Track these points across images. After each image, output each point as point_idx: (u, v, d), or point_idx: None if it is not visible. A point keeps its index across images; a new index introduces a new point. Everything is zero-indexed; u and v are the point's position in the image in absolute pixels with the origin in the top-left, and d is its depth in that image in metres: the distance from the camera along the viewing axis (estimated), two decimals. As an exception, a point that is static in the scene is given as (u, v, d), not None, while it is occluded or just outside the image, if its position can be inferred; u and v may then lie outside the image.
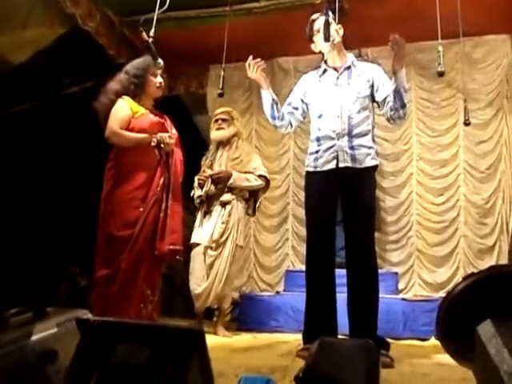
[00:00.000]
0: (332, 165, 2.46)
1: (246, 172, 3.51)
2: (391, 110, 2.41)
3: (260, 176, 3.56)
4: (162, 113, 2.74)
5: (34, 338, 1.07)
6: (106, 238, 2.42)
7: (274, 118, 2.63)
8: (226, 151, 3.57)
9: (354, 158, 2.44)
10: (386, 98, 2.44)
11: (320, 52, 2.64)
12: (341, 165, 2.44)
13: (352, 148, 2.44)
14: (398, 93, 2.34)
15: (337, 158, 2.45)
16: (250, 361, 2.24)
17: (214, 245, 3.38)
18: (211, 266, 3.37)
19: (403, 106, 2.38)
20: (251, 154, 3.73)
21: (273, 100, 2.60)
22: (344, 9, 2.57)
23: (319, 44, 2.59)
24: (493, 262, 4.17)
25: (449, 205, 4.40)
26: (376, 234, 3.76)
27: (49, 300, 3.82)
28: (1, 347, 1.01)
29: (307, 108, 2.64)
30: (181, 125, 2.88)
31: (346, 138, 2.45)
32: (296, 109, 2.66)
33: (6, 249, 3.69)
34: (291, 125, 2.70)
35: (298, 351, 2.31)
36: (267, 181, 3.63)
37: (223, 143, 3.58)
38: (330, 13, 2.47)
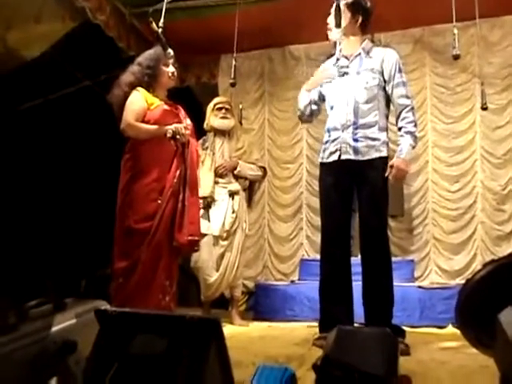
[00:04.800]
0: (335, 156, 2.45)
1: (249, 162, 3.58)
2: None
3: (260, 167, 3.67)
4: (176, 103, 2.74)
5: (53, 328, 1.08)
6: (125, 230, 2.44)
7: (303, 113, 2.65)
8: (226, 141, 3.56)
9: (356, 150, 2.40)
10: (397, 107, 2.44)
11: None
12: (343, 157, 2.42)
13: (356, 140, 2.40)
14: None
15: (340, 149, 2.43)
16: (266, 349, 2.25)
17: (224, 235, 3.40)
18: (222, 255, 3.40)
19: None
20: (252, 145, 3.84)
21: (310, 100, 2.60)
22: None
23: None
24: (511, 249, 4.11)
25: (465, 192, 4.33)
26: (392, 222, 3.75)
27: (69, 291, 3.88)
28: (22, 338, 1.02)
29: (324, 100, 2.61)
30: (192, 115, 2.87)
31: (350, 129, 2.42)
32: (316, 104, 2.63)
33: (25, 240, 3.75)
34: (312, 119, 2.72)
35: (315, 340, 2.32)
36: (265, 173, 3.76)
37: (223, 132, 3.57)
38: None
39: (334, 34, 2.52)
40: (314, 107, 2.62)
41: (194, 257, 3.39)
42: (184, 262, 3.50)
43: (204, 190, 3.24)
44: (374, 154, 2.40)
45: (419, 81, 4.49)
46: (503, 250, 4.13)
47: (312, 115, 2.66)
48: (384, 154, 2.42)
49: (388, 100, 2.48)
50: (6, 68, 3.57)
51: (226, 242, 3.42)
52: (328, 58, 2.69)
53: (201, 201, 3.34)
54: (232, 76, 3.18)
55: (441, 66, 4.45)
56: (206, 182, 3.34)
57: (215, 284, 3.38)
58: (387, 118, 2.53)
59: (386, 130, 2.50)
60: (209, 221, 3.39)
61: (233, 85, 3.30)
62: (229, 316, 3.45)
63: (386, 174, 2.33)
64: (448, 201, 4.35)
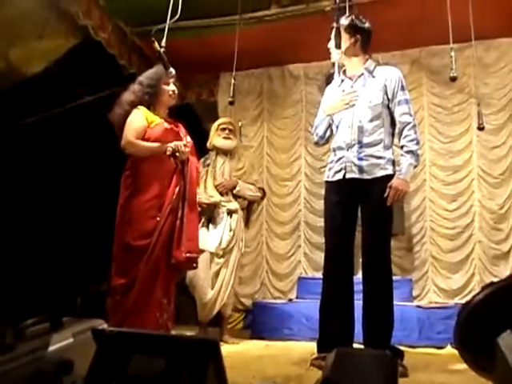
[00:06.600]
0: (340, 175, 2.45)
1: (248, 183, 3.61)
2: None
3: (259, 188, 3.71)
4: (176, 121, 2.76)
5: (50, 348, 1.07)
6: (123, 247, 2.44)
7: (322, 138, 2.66)
8: (227, 161, 3.61)
9: (361, 169, 2.40)
10: (398, 124, 2.45)
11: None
12: (348, 176, 2.42)
13: (360, 159, 2.41)
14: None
15: (345, 168, 2.44)
16: (264, 369, 2.23)
17: (221, 252, 3.41)
18: (217, 273, 3.40)
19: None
20: (252, 166, 3.88)
21: (329, 124, 2.61)
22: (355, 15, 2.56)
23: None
24: (508, 268, 4.11)
25: (462, 211, 4.34)
26: (391, 241, 3.73)
27: (65, 309, 3.84)
28: (18, 357, 1.01)
29: (332, 120, 2.61)
30: (192, 132, 2.89)
31: (355, 148, 2.42)
32: (331, 127, 2.63)
33: (22, 259, 3.73)
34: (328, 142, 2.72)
35: (313, 360, 2.29)
36: (264, 194, 3.80)
37: (225, 152, 3.62)
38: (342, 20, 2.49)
39: (334, 55, 2.56)
40: (329, 131, 2.63)
41: (189, 274, 3.37)
42: (180, 280, 3.49)
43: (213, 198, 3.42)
44: (379, 173, 2.40)
45: (417, 101, 4.53)
46: (501, 270, 4.13)
47: (329, 138, 2.67)
48: (389, 171, 2.41)
49: (393, 118, 2.48)
50: (7, 84, 3.60)
51: (221, 260, 3.43)
52: (327, 77, 2.73)
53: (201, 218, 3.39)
54: (231, 94, 3.23)
55: (438, 87, 4.51)
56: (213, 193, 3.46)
57: (210, 302, 3.36)
58: (393, 135, 2.53)
59: (392, 147, 2.50)
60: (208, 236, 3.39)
61: (231, 103, 3.34)
62: (220, 334, 3.42)
63: (385, 195, 2.33)
64: (445, 219, 4.36)
